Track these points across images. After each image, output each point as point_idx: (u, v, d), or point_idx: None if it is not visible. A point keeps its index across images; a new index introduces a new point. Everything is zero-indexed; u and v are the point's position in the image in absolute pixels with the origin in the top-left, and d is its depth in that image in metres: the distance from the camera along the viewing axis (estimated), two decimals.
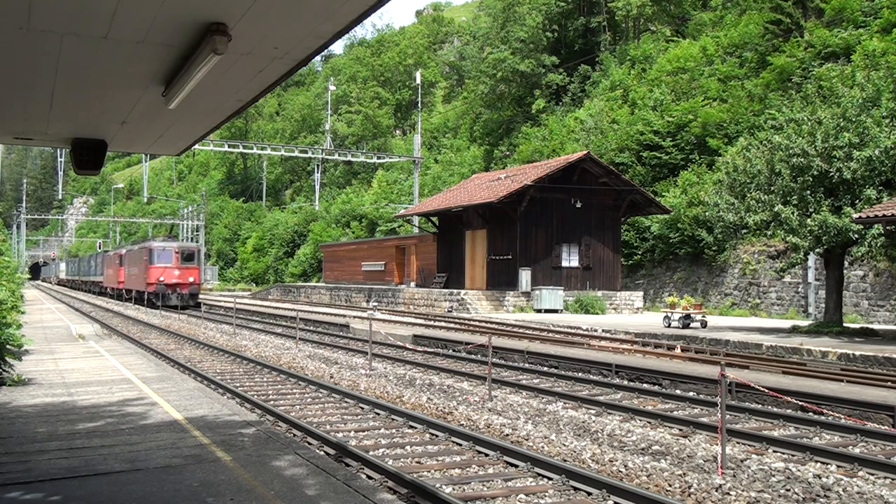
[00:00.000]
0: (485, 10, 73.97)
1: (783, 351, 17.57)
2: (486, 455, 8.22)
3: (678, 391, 12.94)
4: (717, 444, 8.33)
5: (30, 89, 5.73)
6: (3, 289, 11.42)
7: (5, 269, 14.00)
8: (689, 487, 7.04)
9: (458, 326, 24.88)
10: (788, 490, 7.04)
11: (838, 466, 8.01)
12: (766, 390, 10.04)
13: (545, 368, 15.74)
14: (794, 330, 21.40)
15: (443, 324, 26.07)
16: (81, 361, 13.90)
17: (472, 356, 17.08)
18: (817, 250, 20.97)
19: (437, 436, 9.23)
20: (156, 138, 7.57)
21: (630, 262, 37.98)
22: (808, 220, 19.47)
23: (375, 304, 39.07)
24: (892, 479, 7.57)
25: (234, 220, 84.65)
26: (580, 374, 14.86)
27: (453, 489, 6.96)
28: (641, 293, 35.00)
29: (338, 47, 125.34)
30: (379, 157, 60.50)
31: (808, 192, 20.06)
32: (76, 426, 7.94)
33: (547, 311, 30.95)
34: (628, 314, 32.77)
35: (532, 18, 55.99)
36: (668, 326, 22.58)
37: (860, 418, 10.11)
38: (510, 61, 56.42)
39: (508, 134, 58.77)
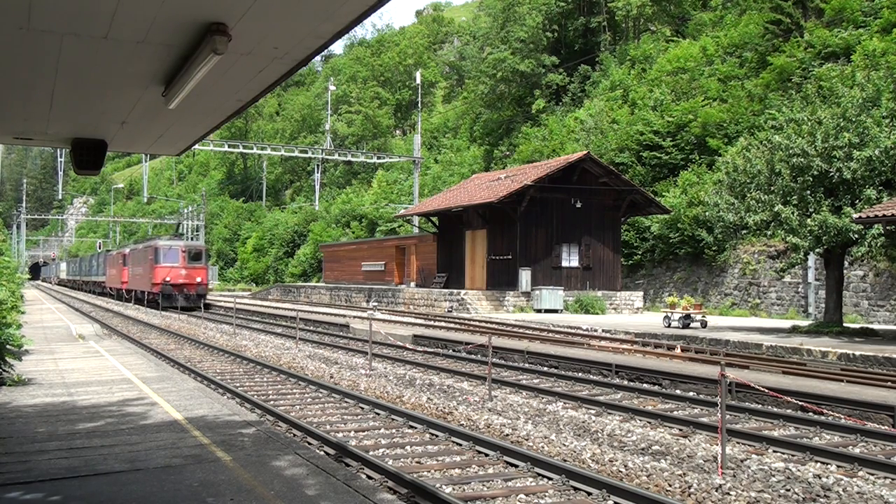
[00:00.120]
0: (485, 10, 73.99)
1: (783, 351, 17.57)
2: (486, 455, 8.22)
3: (678, 391, 12.94)
4: (717, 444, 8.33)
5: (30, 89, 5.73)
6: (3, 289, 11.42)
7: (5, 269, 13.99)
8: (689, 487, 7.04)
9: (458, 326, 24.88)
10: (788, 490, 7.04)
11: (838, 466, 8.01)
12: (766, 390, 10.04)
13: (545, 368, 15.74)
14: (794, 330, 21.40)
15: (443, 324, 26.07)
16: (81, 361, 13.90)
17: (472, 356, 17.08)
18: (817, 250, 20.98)
19: (437, 436, 9.23)
20: (156, 138, 7.57)
21: (630, 262, 37.98)
22: (808, 220, 19.47)
23: (375, 304, 39.07)
24: (892, 479, 7.57)
25: (234, 220, 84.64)
26: (580, 374, 14.86)
27: (453, 489, 6.96)
28: (641, 293, 35.01)
29: (338, 47, 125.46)
30: (379, 157, 60.51)
31: (808, 192, 20.06)
32: (76, 426, 7.95)
33: (547, 311, 30.95)
34: (628, 314, 32.77)
35: (532, 18, 56.00)
36: (668, 326, 22.58)
37: (860, 418, 10.11)
38: (510, 61, 56.42)
39: (508, 134, 58.78)
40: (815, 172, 19.73)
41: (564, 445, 8.67)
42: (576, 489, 6.99)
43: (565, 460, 7.99)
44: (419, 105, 67.55)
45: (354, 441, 8.95)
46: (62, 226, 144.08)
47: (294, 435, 9.19)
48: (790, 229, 19.93)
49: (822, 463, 8.14)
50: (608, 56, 54.31)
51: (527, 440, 9.00)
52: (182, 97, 5.45)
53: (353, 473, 6.61)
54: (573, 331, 23.26)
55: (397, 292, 38.62)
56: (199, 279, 39.21)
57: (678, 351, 17.83)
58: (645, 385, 13.50)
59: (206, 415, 8.64)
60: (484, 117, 62.71)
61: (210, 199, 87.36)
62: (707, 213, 24.19)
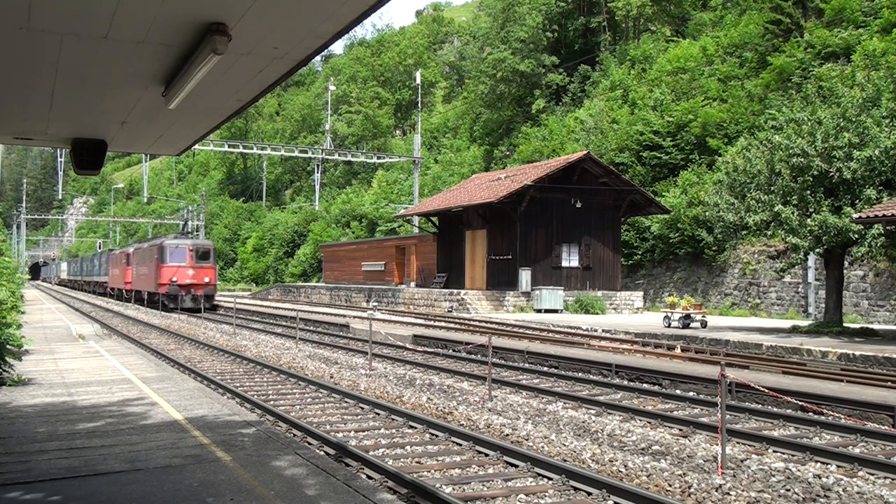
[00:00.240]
0: (485, 10, 73.99)
1: (783, 351, 17.57)
2: (486, 455, 8.22)
3: (678, 391, 12.94)
4: (717, 444, 8.33)
5: (30, 89, 5.73)
6: (3, 289, 11.42)
7: (5, 269, 13.99)
8: (689, 487, 7.04)
9: (458, 326, 24.88)
10: (788, 490, 7.03)
11: (838, 466, 8.01)
12: (766, 390, 10.04)
13: (545, 368, 15.74)
14: (794, 330, 21.40)
15: (443, 324, 26.07)
16: (81, 361, 13.90)
17: (472, 356, 17.08)
18: (817, 250, 20.98)
19: (437, 436, 9.23)
20: (156, 138, 7.57)
21: (630, 262, 37.98)
22: (808, 220, 19.47)
23: (375, 304, 39.06)
24: (892, 479, 7.57)
25: (234, 220, 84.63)
26: (580, 374, 14.86)
27: (453, 489, 6.96)
28: (641, 293, 35.01)
29: (338, 47, 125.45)
30: (379, 157, 60.50)
31: (808, 192, 20.06)
32: (76, 426, 7.95)
33: (547, 311, 30.95)
34: (628, 314, 32.77)
35: (532, 18, 56.01)
36: (668, 326, 22.58)
37: (860, 418, 10.11)
38: (510, 61, 56.43)
39: (508, 134, 58.78)
40: (815, 172, 19.73)
41: (564, 445, 8.67)
42: (576, 489, 6.99)
43: (565, 460, 7.99)
44: (419, 105, 67.56)
45: (354, 441, 8.95)
46: (62, 226, 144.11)
47: (294, 435, 9.19)
48: (790, 229, 19.93)
49: (822, 463, 8.14)
50: (608, 56, 54.32)
51: (527, 440, 9.00)
52: (182, 97, 5.45)
53: (353, 473, 6.61)
54: (573, 331, 23.26)
55: (397, 292, 38.62)
56: (207, 279, 37.52)
57: (678, 351, 17.83)
58: (645, 385, 13.50)
59: (206, 415, 8.64)
60: (484, 117, 62.71)
61: (210, 199, 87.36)
62: (707, 213, 24.19)
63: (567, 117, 51.48)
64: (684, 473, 7.47)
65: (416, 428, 9.70)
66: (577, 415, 10.66)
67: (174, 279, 36.20)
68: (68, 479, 5.90)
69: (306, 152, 58.72)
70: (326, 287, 48.68)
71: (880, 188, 19.61)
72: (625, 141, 41.11)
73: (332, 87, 74.31)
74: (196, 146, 14.28)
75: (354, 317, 29.03)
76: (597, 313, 31.67)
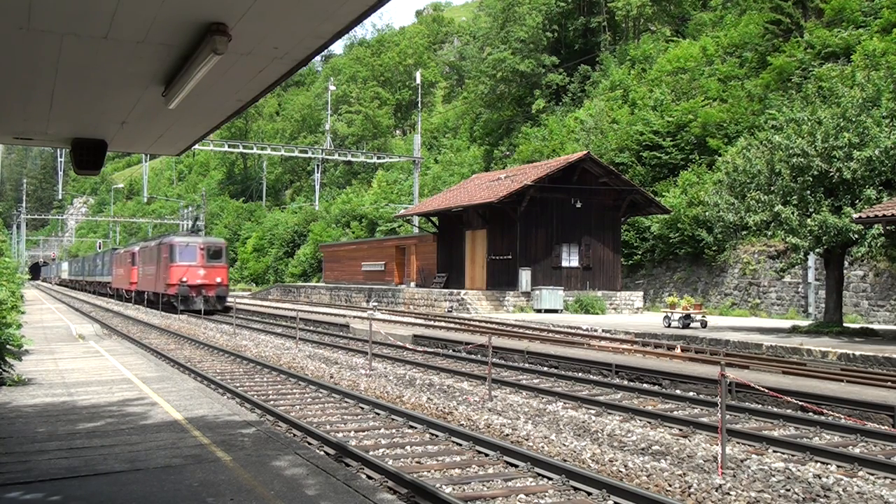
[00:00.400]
0: (485, 10, 73.98)
1: (783, 351, 17.57)
2: (486, 455, 8.22)
3: (678, 391, 12.94)
4: (717, 444, 8.33)
5: (30, 89, 5.73)
6: (3, 289, 11.42)
7: (5, 269, 13.99)
8: (689, 487, 7.04)
9: (458, 326, 24.88)
10: (788, 490, 7.04)
11: (838, 466, 8.01)
12: (766, 390, 10.04)
13: (545, 368, 15.74)
14: (794, 330, 21.40)
15: (443, 324, 26.07)
16: (81, 361, 13.90)
17: (472, 356, 17.08)
18: (817, 250, 20.97)
19: (437, 436, 9.23)
20: (156, 138, 7.57)
21: (630, 262, 37.98)
22: (808, 220, 19.47)
23: (375, 304, 39.05)
24: (892, 479, 7.57)
25: (234, 220, 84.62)
26: (580, 374, 14.86)
27: (453, 489, 6.96)
28: (641, 293, 35.01)
29: (338, 47, 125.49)
30: (379, 157, 60.50)
31: (808, 192, 20.06)
32: (76, 426, 7.95)
33: (547, 311, 30.95)
34: (628, 314, 32.77)
35: (532, 18, 56.00)
36: (668, 326, 22.57)
37: (860, 418, 10.11)
38: (510, 61, 56.42)
39: (508, 134, 58.78)
40: (815, 172, 19.73)
41: (564, 445, 8.67)
42: (576, 489, 6.99)
43: (565, 460, 7.99)
44: (419, 105, 67.54)
45: (354, 441, 8.95)
46: (62, 226, 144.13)
47: (294, 435, 9.19)
48: (790, 229, 19.93)
49: (822, 463, 8.14)
50: (608, 56, 54.32)
51: (527, 440, 9.00)
52: (182, 97, 5.45)
53: (353, 473, 6.61)
54: (573, 331, 23.26)
55: (397, 292, 38.62)
56: (219, 279, 35.44)
57: (678, 351, 17.83)
58: (645, 385, 13.50)
59: (206, 415, 8.64)
60: (484, 117, 62.70)
61: (210, 199, 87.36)
62: (707, 213, 24.20)
63: (567, 117, 51.48)
64: (684, 473, 7.47)
65: (416, 428, 9.70)
66: (577, 415, 10.66)
67: (184, 279, 34.33)
68: (68, 479, 5.90)
69: (306, 152, 58.72)
70: (326, 287, 48.68)
71: (880, 188, 19.61)
72: (625, 141, 41.11)
73: (332, 87, 74.30)
74: (196, 146, 14.29)
75: (354, 317, 29.03)
76: (597, 313, 31.67)
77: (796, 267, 27.12)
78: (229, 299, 37.47)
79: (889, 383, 12.33)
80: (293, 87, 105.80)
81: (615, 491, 6.67)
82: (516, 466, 7.73)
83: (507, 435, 9.28)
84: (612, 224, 34.98)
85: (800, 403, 10.75)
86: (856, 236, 19.33)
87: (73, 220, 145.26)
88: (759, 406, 11.29)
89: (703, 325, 22.67)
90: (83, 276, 72.51)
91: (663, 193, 36.86)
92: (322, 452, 8.15)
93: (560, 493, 6.92)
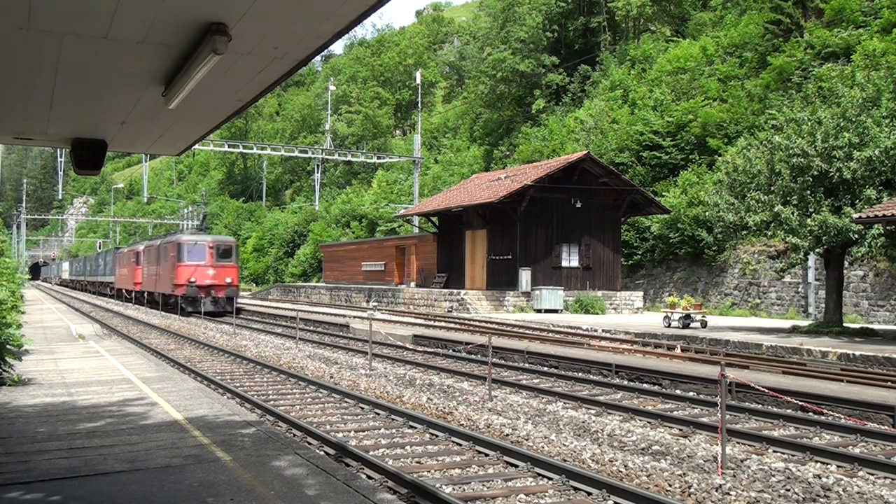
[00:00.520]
0: (485, 10, 73.98)
1: (783, 351, 17.57)
2: (486, 455, 8.21)
3: (678, 391, 12.94)
4: (717, 444, 8.33)
5: (30, 89, 5.73)
6: (3, 289, 11.42)
7: (5, 269, 14.00)
8: (689, 487, 7.04)
9: (458, 326, 24.88)
10: (788, 490, 7.04)
11: (838, 466, 8.01)
12: (766, 390, 10.04)
13: (545, 368, 15.74)
14: (794, 330, 21.40)
15: (443, 324, 26.07)
16: (81, 361, 13.90)
17: (472, 356, 17.07)
18: (817, 250, 20.97)
19: (437, 436, 9.23)
20: (156, 138, 7.57)
21: (630, 262, 37.98)
22: (808, 220, 19.47)
23: (375, 304, 39.05)
24: (892, 479, 7.57)
25: (234, 220, 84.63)
26: (580, 374, 14.86)
27: (453, 489, 6.96)
28: (641, 293, 35.01)
29: (338, 47, 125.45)
30: (379, 157, 60.50)
31: (808, 192, 20.06)
32: (76, 426, 7.95)
33: (547, 311, 30.95)
34: (628, 314, 32.77)
35: (532, 18, 56.00)
36: (668, 326, 22.57)
37: (860, 418, 10.11)
38: (510, 61, 56.42)
39: (508, 134, 58.78)
40: (815, 172, 19.73)
41: (564, 445, 8.67)
42: (576, 489, 6.99)
43: (565, 460, 7.99)
44: (419, 105, 67.54)
45: (354, 441, 8.95)
46: (62, 226, 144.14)
47: (294, 435, 9.19)
48: (790, 229, 19.93)
49: (822, 463, 8.14)
50: (608, 56, 54.32)
51: (527, 440, 9.00)
52: (182, 97, 5.45)
53: (353, 473, 6.61)
54: (573, 331, 23.26)
55: (397, 292, 38.62)
56: (228, 279, 33.83)
57: (678, 351, 17.83)
58: (645, 385, 13.50)
59: (206, 415, 8.64)
60: (484, 117, 62.70)
61: (210, 199, 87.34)
62: (707, 213, 24.20)
63: (567, 117, 51.47)
64: (684, 473, 7.47)
65: (416, 428, 9.70)
66: (577, 415, 10.66)
67: (192, 280, 32.87)
68: (68, 479, 5.90)
69: (306, 152, 58.71)
70: (326, 287, 48.68)
71: (880, 188, 19.61)
72: (625, 141, 41.11)
73: (332, 87, 74.29)
74: (196, 146, 14.29)
75: (354, 317, 29.03)
76: (597, 313, 31.67)
77: (796, 267, 27.12)
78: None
79: (889, 383, 12.33)
80: (293, 87, 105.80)
81: (615, 491, 6.67)
82: (516, 466, 7.73)
83: (507, 435, 9.28)
84: (612, 224, 34.98)
85: (800, 403, 10.75)
86: (856, 236, 19.33)
87: (73, 220, 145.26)
88: (759, 406, 11.29)
89: (703, 325, 22.67)
90: (85, 276, 71.96)
91: (663, 193, 36.86)
92: (322, 452, 8.15)
93: (560, 493, 6.92)
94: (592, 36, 58.91)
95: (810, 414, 10.45)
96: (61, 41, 4.62)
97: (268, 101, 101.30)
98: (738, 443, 8.98)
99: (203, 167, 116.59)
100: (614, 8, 54.91)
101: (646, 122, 40.90)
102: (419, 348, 19.10)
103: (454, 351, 18.13)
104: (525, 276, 32.68)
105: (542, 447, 8.66)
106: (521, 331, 22.90)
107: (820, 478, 7.38)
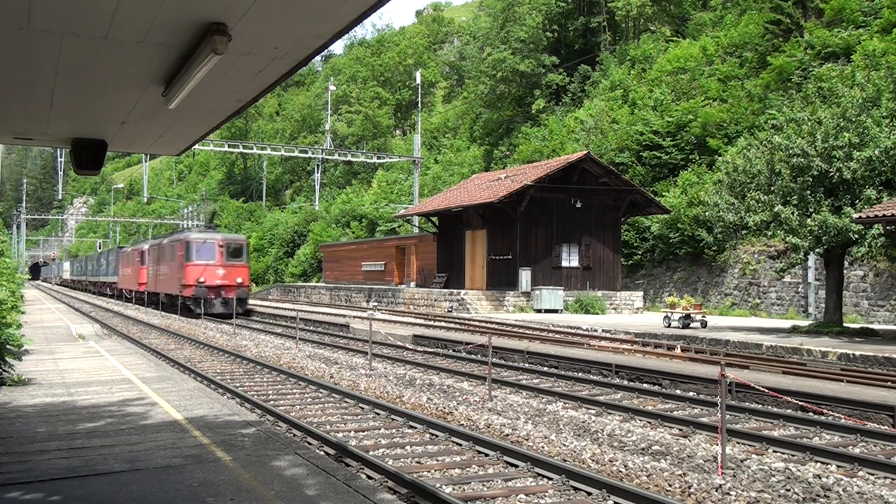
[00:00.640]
0: (485, 10, 73.97)
1: (783, 351, 17.57)
2: (486, 455, 8.21)
3: (678, 391, 12.94)
4: (717, 444, 8.33)
5: (30, 89, 5.73)
6: (3, 289, 11.42)
7: (5, 269, 14.00)
8: (689, 487, 7.04)
9: (458, 326, 24.88)
10: (788, 490, 7.03)
11: (838, 466, 8.01)
12: (766, 390, 10.04)
13: (545, 368, 15.74)
14: (794, 330, 21.40)
15: (443, 324, 26.07)
16: (81, 361, 13.90)
17: (472, 356, 17.07)
18: (817, 250, 20.97)
19: (437, 436, 9.23)
20: (156, 138, 7.57)
21: (630, 262, 37.98)
22: (808, 220, 19.47)
23: (375, 304, 39.05)
24: (892, 479, 7.57)
25: (234, 220, 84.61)
26: (580, 374, 14.86)
27: (453, 489, 6.96)
28: (641, 293, 35.00)
29: (338, 47, 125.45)
30: (379, 157, 60.49)
31: (808, 192, 20.06)
32: (76, 426, 7.94)
33: (547, 311, 30.95)
34: (628, 314, 32.77)
35: (532, 18, 56.00)
36: (668, 326, 22.57)
37: (860, 418, 10.11)
38: (510, 61, 56.42)
39: (508, 134, 58.77)
40: (815, 172, 19.73)
41: (564, 445, 8.67)
42: (576, 489, 6.99)
43: (565, 460, 7.99)
44: (419, 105, 67.54)
45: (354, 441, 8.95)
46: (62, 226, 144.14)
47: (294, 435, 9.19)
48: (790, 229, 19.93)
49: (822, 463, 8.14)
50: (608, 56, 54.31)
51: (527, 440, 9.00)
52: (182, 97, 5.45)
53: (353, 473, 6.61)
54: (573, 331, 23.26)
55: (397, 292, 38.62)
56: (239, 279, 32.56)
57: (678, 351, 17.83)
58: (645, 385, 13.50)
59: (206, 415, 8.64)
60: (484, 117, 62.70)
61: (210, 199, 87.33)
62: (707, 213, 24.20)
63: (567, 117, 51.47)
64: (684, 473, 7.47)
65: (416, 428, 9.70)
66: (577, 415, 10.66)
67: (201, 280, 31.62)
68: (68, 479, 5.90)
69: (306, 152, 58.70)
70: (326, 287, 48.67)
71: (880, 188, 19.61)
72: (625, 141, 41.11)
73: (332, 87, 74.29)
74: (196, 146, 14.29)
75: (354, 317, 29.03)
76: (597, 313, 31.67)
77: (796, 267, 27.12)
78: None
79: (889, 383, 12.33)
80: (293, 87, 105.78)
81: (615, 491, 6.67)
82: (516, 466, 7.73)
83: (507, 435, 9.28)
84: (612, 224, 34.98)
85: (800, 403, 10.75)
86: (856, 236, 19.33)
87: (73, 220, 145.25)
88: (759, 406, 11.29)
89: (703, 325, 22.67)
90: (86, 276, 71.26)
91: (663, 193, 36.85)
92: (322, 452, 8.15)
93: (560, 493, 6.92)
94: (592, 36, 58.90)
95: (810, 414, 10.45)
96: (61, 41, 4.62)
97: (268, 101, 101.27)
98: (738, 443, 8.98)
99: (203, 167, 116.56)
100: (614, 8, 54.91)
101: (646, 122, 40.90)
102: (419, 348, 19.10)
103: (454, 351, 18.13)
104: (525, 276, 32.68)
105: (542, 447, 8.66)
106: (520, 331, 22.90)
107: (820, 478, 7.38)
